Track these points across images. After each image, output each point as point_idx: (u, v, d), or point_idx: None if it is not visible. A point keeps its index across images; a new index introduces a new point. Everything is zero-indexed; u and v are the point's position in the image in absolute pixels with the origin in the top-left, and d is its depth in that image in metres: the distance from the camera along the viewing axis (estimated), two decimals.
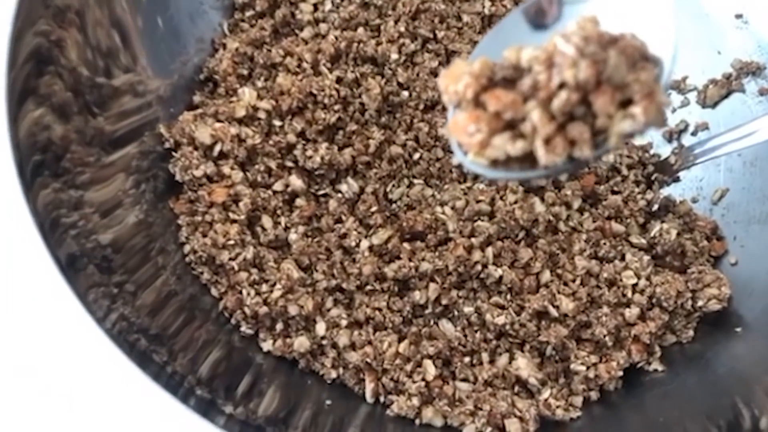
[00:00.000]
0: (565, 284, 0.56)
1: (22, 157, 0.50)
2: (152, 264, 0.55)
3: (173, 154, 0.59)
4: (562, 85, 0.31)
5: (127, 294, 0.52)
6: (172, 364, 0.50)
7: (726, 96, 0.66)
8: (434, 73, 0.63)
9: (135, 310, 0.51)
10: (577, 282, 0.56)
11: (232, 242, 0.56)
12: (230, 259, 0.56)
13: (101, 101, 0.55)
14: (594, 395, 0.55)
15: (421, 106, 0.63)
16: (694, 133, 0.67)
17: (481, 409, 0.52)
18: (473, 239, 0.57)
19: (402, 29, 0.63)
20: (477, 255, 0.56)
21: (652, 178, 0.63)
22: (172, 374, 0.50)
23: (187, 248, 0.57)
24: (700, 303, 0.56)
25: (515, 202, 0.58)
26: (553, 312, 0.54)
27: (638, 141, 0.66)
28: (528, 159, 0.33)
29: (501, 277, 0.55)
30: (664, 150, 0.67)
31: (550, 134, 0.31)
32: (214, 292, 0.57)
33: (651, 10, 0.35)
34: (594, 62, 0.30)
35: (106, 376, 0.62)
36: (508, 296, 0.56)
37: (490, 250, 0.56)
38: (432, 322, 0.57)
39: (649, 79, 0.30)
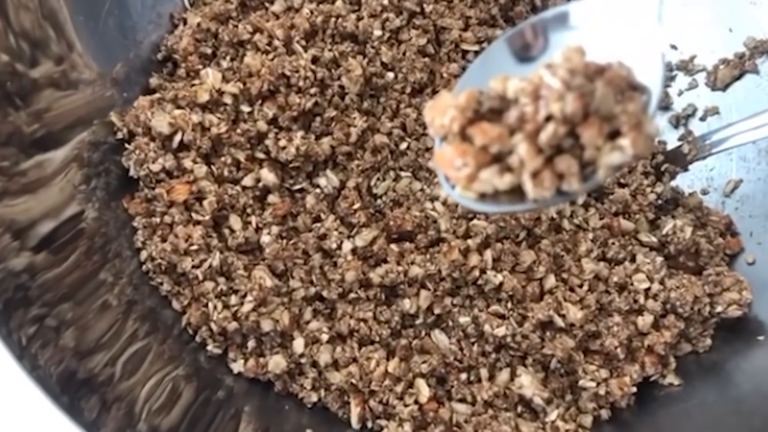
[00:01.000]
0: (572, 290, 0.52)
1: None
2: (102, 276, 0.48)
3: (127, 145, 0.53)
4: (549, 118, 0.31)
5: (49, 330, 0.44)
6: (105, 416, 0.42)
7: (738, 77, 0.62)
8: (422, 52, 0.57)
9: (59, 351, 0.43)
10: (585, 287, 0.52)
11: (195, 247, 0.50)
12: (194, 266, 0.50)
13: (23, 94, 0.48)
14: (605, 414, 0.50)
15: (408, 90, 0.57)
16: (703, 119, 0.62)
17: None
18: (469, 240, 0.52)
19: (385, 2, 0.57)
20: (474, 259, 0.51)
21: (662, 168, 0.58)
22: None
23: (144, 255, 0.51)
24: (718, 309, 0.52)
25: None
26: (559, 322, 0.49)
27: None
28: (517, 192, 0.33)
29: (501, 284, 0.51)
30: (671, 136, 0.62)
31: (538, 168, 0.31)
32: (175, 305, 0.51)
33: (637, 35, 0.36)
34: (581, 95, 0.30)
35: None
36: (509, 304, 0.51)
37: (488, 253, 0.51)
38: (424, 334, 0.52)
39: (637, 110, 0.30)
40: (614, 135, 0.30)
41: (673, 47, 0.65)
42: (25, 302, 0.43)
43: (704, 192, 0.60)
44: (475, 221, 0.53)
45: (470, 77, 0.42)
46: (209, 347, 0.50)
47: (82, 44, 0.52)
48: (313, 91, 0.54)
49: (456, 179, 0.33)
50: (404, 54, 0.57)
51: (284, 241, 0.53)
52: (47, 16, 0.50)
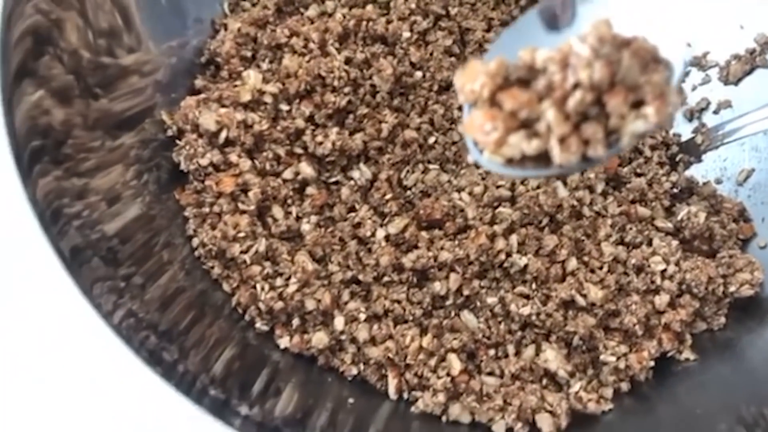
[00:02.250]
0: (592, 272, 0.54)
1: (19, 143, 0.47)
2: (159, 257, 0.53)
3: (176, 142, 0.57)
4: (576, 86, 0.31)
5: (134, 288, 0.49)
6: (184, 362, 0.48)
7: (749, 72, 0.64)
8: (448, 52, 0.61)
9: (144, 305, 0.49)
10: (605, 269, 0.54)
11: (242, 234, 0.53)
12: (242, 252, 0.53)
13: (106, 82, 0.53)
14: (625, 386, 0.53)
15: (435, 87, 0.60)
16: (716, 112, 0.65)
17: (510, 405, 0.50)
18: (495, 227, 0.55)
19: (413, 6, 0.60)
20: (500, 243, 0.54)
21: (677, 159, 0.61)
22: (184, 373, 0.47)
23: (195, 242, 0.55)
24: (732, 288, 0.54)
25: (538, 187, 0.56)
26: (581, 301, 0.52)
27: None
28: (543, 157, 0.33)
29: (526, 266, 0.53)
30: (684, 129, 0.65)
31: (565, 134, 0.32)
32: (225, 287, 0.54)
33: (662, 15, 0.37)
34: (608, 63, 0.31)
35: (114, 376, 0.60)
36: (533, 285, 0.54)
37: (514, 238, 0.54)
38: (453, 314, 0.55)
39: (661, 81, 0.31)
40: (638, 104, 0.32)
41: (687, 44, 0.67)
42: (115, 263, 0.49)
43: (718, 181, 0.62)
44: (500, 209, 0.56)
45: (500, 46, 0.42)
46: (257, 325, 0.53)
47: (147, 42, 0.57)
48: (346, 90, 0.58)
49: (485, 143, 0.34)
50: (431, 54, 0.60)
51: (322, 229, 0.56)
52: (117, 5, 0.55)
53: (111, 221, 0.51)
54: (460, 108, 0.60)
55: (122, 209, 0.53)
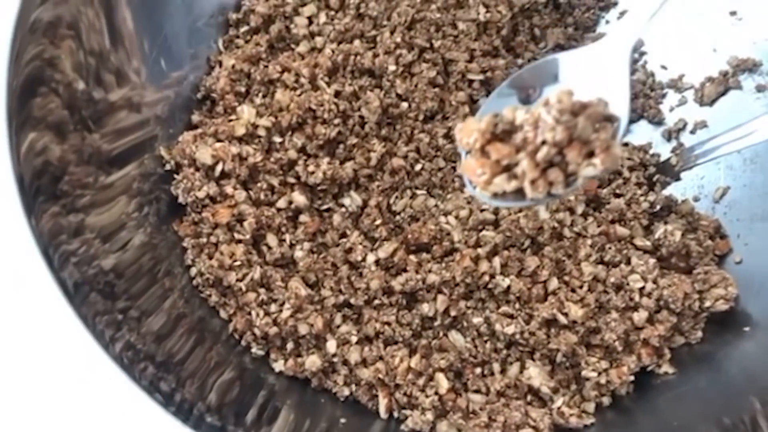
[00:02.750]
0: (573, 291, 0.56)
1: (24, 182, 0.49)
2: (158, 288, 0.55)
3: (174, 176, 0.59)
4: (544, 142, 0.41)
5: (131, 320, 0.51)
6: (181, 392, 0.50)
7: (723, 93, 0.66)
8: (432, 83, 0.63)
9: (141, 337, 0.51)
10: (585, 288, 0.56)
11: (238, 263, 0.56)
12: (238, 280, 0.56)
13: (98, 116, 0.55)
14: (606, 401, 0.55)
15: (421, 117, 0.63)
16: (693, 132, 0.67)
17: (495, 421, 0.52)
18: (479, 249, 0.57)
19: (398, 40, 0.63)
20: (484, 265, 0.56)
21: (654, 179, 0.63)
22: (182, 402, 0.49)
23: (193, 271, 0.57)
24: (707, 303, 0.56)
25: (519, 211, 0.58)
26: (562, 319, 0.54)
27: (637, 141, 0.67)
28: (520, 192, 0.44)
29: (509, 287, 0.55)
30: (664, 149, 0.67)
31: (535, 177, 0.42)
32: (222, 314, 0.57)
33: (611, 77, 0.48)
34: (567, 128, 0.40)
35: (116, 401, 0.62)
36: (517, 305, 0.56)
37: (497, 260, 0.56)
38: (441, 334, 0.57)
39: (607, 137, 0.41)
40: (590, 154, 0.41)
41: (663, 67, 0.70)
42: (113, 296, 0.50)
43: (696, 199, 0.64)
44: (484, 232, 0.58)
45: (488, 107, 0.52)
46: (253, 350, 0.55)
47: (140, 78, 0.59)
48: (336, 121, 0.60)
49: (477, 182, 0.45)
50: (416, 85, 0.63)
51: (315, 255, 0.59)
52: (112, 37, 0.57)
53: (107, 257, 0.53)
54: (444, 136, 0.63)
55: (122, 241, 0.55)
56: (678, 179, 0.65)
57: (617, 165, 0.47)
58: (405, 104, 0.62)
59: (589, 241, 0.58)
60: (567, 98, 0.40)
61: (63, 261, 0.50)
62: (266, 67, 0.63)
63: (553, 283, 0.56)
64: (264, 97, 0.62)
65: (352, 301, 0.57)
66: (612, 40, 0.50)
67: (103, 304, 0.50)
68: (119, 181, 0.56)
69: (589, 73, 0.49)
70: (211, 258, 0.56)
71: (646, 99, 0.69)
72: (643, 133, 0.69)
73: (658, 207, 0.62)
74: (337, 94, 0.61)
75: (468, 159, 0.45)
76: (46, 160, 0.50)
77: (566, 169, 0.41)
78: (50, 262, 0.49)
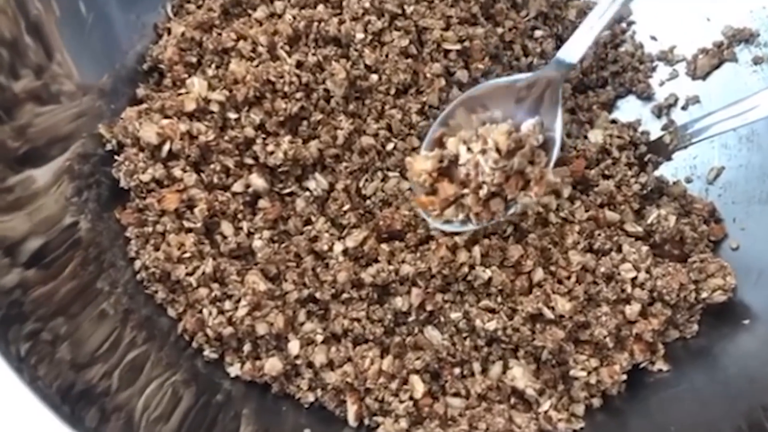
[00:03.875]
0: (560, 282, 0.52)
1: None
2: (91, 293, 0.49)
3: (116, 157, 0.53)
4: (484, 182, 0.49)
5: (44, 345, 0.44)
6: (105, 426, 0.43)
7: (717, 66, 0.63)
8: (404, 53, 0.57)
9: (55, 366, 0.44)
10: (573, 279, 0.52)
11: (188, 255, 0.51)
12: (187, 274, 0.51)
13: (6, 108, 0.48)
14: (596, 402, 0.51)
15: (392, 91, 0.57)
16: (684, 108, 0.63)
17: (476, 429, 0.48)
18: (457, 238, 0.52)
19: (367, 5, 0.57)
20: (463, 255, 0.51)
21: (645, 159, 0.59)
22: None
23: (138, 264, 0.52)
24: (704, 295, 0.52)
25: None
26: (549, 314, 0.50)
27: (625, 118, 0.62)
28: (468, 219, 0.52)
29: (490, 279, 0.51)
30: (654, 126, 0.63)
31: (479, 210, 0.51)
32: (171, 312, 0.52)
33: (546, 104, 0.54)
34: (503, 171, 0.49)
35: None
36: (499, 299, 0.52)
37: (477, 249, 0.52)
38: (416, 331, 0.52)
39: (541, 168, 0.50)
40: (527, 182, 0.49)
41: (653, 38, 0.65)
42: (19, 318, 0.44)
43: (688, 180, 0.61)
44: None
45: (434, 130, 0.56)
46: (206, 352, 0.50)
47: (69, 56, 0.53)
48: (298, 95, 0.55)
49: (429, 214, 0.52)
50: (387, 56, 0.57)
51: (276, 244, 0.54)
52: (31, 29, 0.50)
53: (8, 273, 0.45)
54: (418, 112, 0.57)
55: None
56: (669, 159, 0.61)
57: (553, 188, 0.53)
58: (375, 76, 0.57)
59: (576, 228, 0.54)
60: (503, 141, 0.48)
61: None
62: (219, 34, 0.57)
63: (539, 274, 0.52)
64: (217, 68, 0.57)
65: (318, 295, 0.52)
66: (546, 70, 0.54)
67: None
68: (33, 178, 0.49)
69: (526, 99, 0.54)
70: (157, 249, 0.51)
71: (634, 72, 0.65)
72: (631, 110, 0.65)
73: (648, 189, 0.57)
74: (299, 64, 0.56)
75: (420, 197, 0.53)
76: None
77: (506, 198, 0.50)
78: None
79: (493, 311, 0.51)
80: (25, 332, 0.43)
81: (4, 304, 0.43)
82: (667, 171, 0.61)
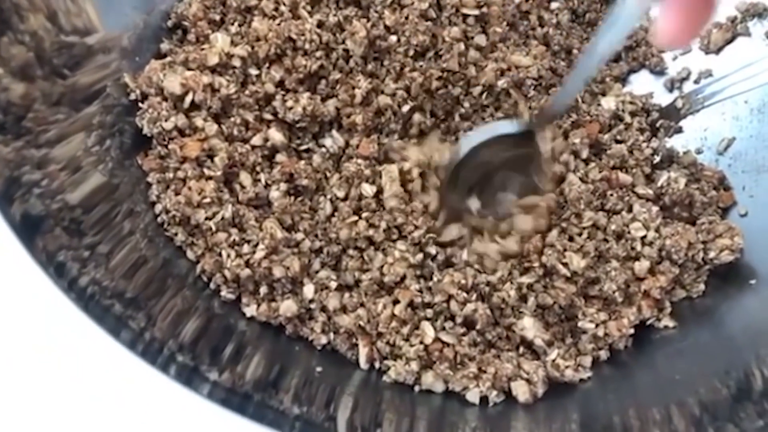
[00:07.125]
0: (571, 239, 0.53)
1: None
2: (122, 225, 0.50)
3: (140, 106, 0.54)
4: None
5: (99, 256, 0.47)
6: (151, 330, 0.46)
7: (731, 40, 0.63)
8: (424, 16, 0.58)
9: (108, 273, 0.47)
10: (584, 236, 0.53)
11: (208, 200, 0.51)
12: (207, 218, 0.51)
13: (73, 62, 0.51)
14: (603, 354, 0.51)
15: (411, 52, 0.58)
16: (696, 81, 0.64)
17: (485, 372, 0.49)
18: None
19: None
20: None
21: (657, 125, 0.60)
22: (151, 341, 0.45)
23: (158, 208, 0.53)
24: (711, 255, 0.53)
25: None
26: (563, 270, 0.51)
27: (637, 92, 0.63)
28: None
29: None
30: (665, 99, 0.63)
31: None
32: (190, 254, 0.52)
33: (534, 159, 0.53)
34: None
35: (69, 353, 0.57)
36: None
37: None
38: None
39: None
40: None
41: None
42: (78, 233, 0.47)
43: (698, 151, 0.61)
44: None
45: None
46: (223, 293, 0.51)
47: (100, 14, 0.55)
48: (318, 54, 0.55)
49: None
50: (407, 18, 0.58)
51: (292, 197, 0.55)
52: None
53: (73, 190, 0.49)
54: (439, 78, 0.58)
55: (84, 177, 0.51)
56: (680, 131, 0.61)
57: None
58: (393, 37, 0.57)
59: (591, 187, 0.54)
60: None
61: (24, 193, 0.46)
62: None
63: (552, 234, 0.53)
64: (240, 26, 0.57)
65: (326, 249, 0.53)
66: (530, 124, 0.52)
67: (68, 239, 0.47)
68: (85, 116, 0.52)
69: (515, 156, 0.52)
70: (178, 194, 0.52)
71: (647, 47, 0.65)
72: (644, 83, 0.65)
73: (659, 156, 0.58)
74: (319, 24, 0.56)
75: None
76: (6, 98, 0.47)
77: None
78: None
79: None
80: (85, 243, 0.47)
81: (66, 218, 0.47)
82: (677, 143, 0.61)
